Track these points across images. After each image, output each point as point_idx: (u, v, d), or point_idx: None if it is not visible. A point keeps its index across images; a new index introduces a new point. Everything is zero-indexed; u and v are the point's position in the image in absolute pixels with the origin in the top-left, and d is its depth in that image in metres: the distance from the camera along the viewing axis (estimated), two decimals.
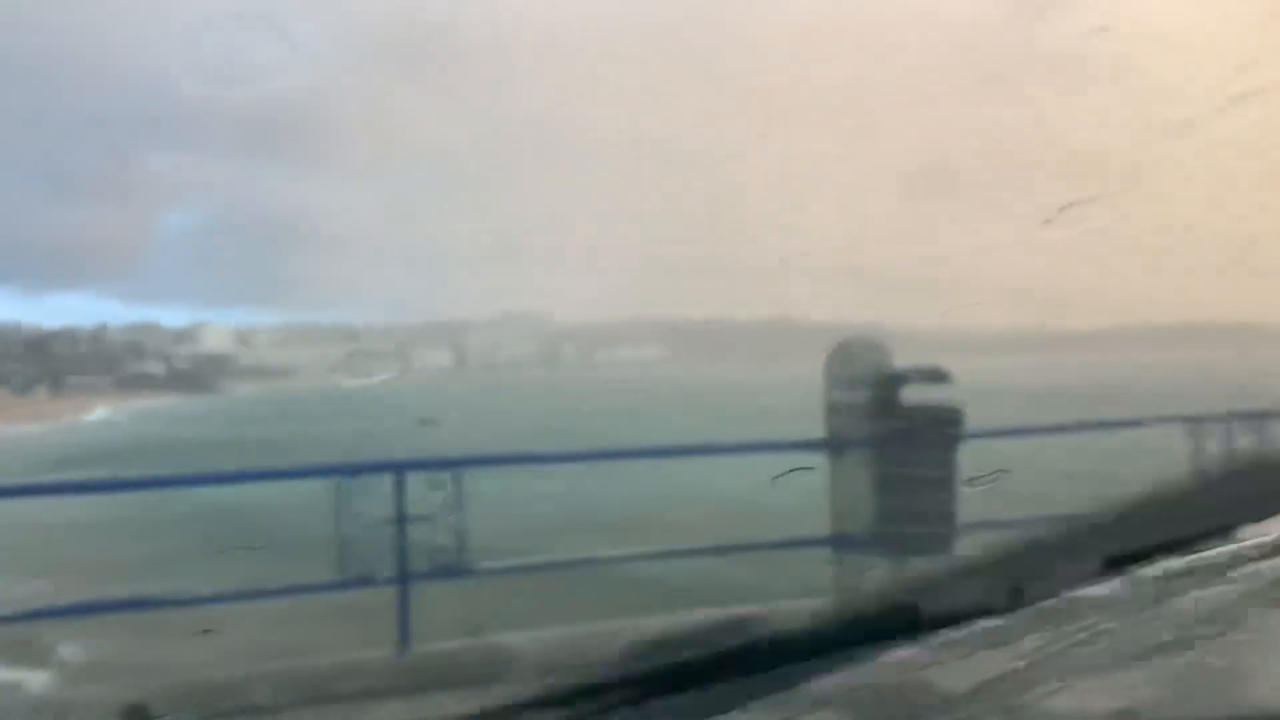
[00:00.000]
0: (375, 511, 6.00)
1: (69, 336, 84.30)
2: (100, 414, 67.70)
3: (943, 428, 5.35)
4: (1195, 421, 7.37)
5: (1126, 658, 1.79)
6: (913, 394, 5.73)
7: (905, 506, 5.56)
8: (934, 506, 5.53)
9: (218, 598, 6.50)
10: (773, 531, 7.58)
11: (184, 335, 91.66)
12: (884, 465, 5.79)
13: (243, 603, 6.47)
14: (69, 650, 9.63)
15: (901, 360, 5.89)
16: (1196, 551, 1.90)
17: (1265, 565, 2.02)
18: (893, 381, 5.81)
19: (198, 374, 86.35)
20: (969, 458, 5.56)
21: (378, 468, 6.33)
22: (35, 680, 9.03)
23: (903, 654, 1.72)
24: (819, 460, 5.86)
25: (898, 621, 1.67)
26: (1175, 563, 1.89)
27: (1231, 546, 1.97)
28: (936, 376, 5.64)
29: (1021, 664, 1.75)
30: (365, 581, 6.05)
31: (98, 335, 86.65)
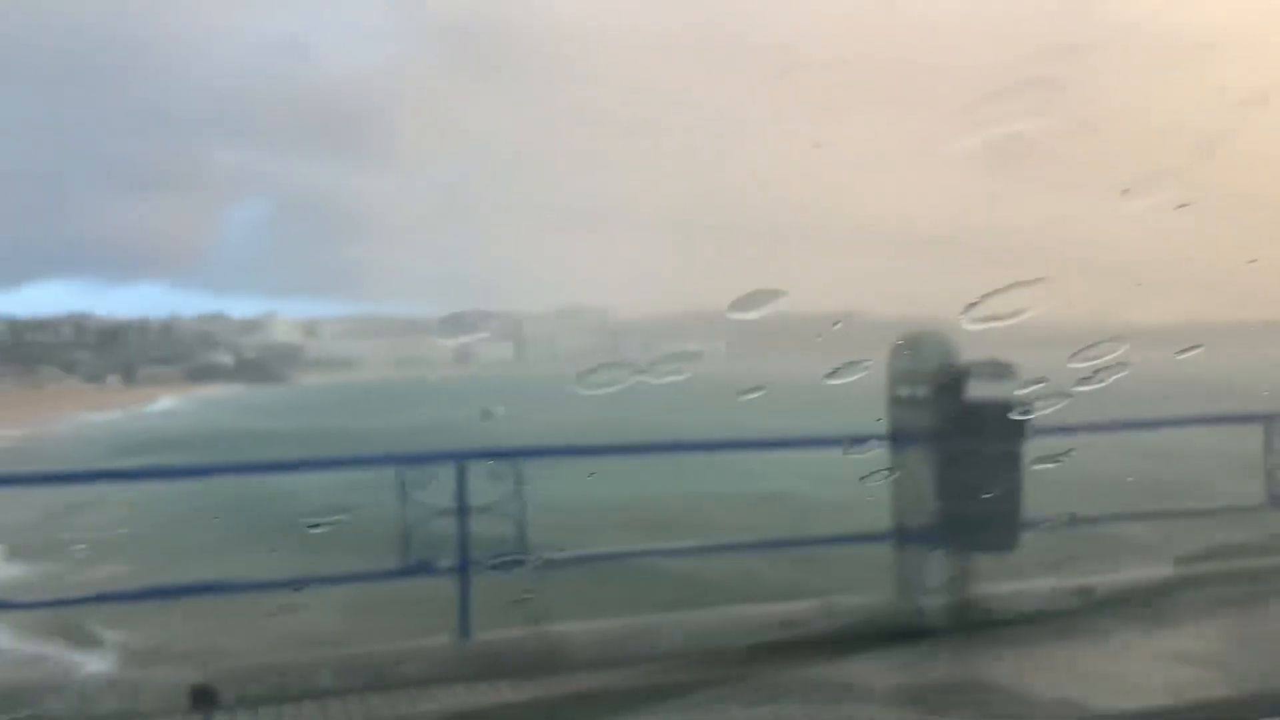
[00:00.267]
0: (437, 502, 6.05)
1: (140, 327, 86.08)
2: (169, 403, 68.96)
3: (1008, 423, 5.26)
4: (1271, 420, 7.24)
5: (1185, 650, 1.76)
6: (978, 389, 5.65)
7: (969, 502, 5.49)
8: (999, 502, 5.45)
9: (284, 584, 6.60)
10: (833, 527, 7.54)
11: (252, 326, 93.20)
12: (948, 460, 5.71)
13: (307, 589, 6.56)
14: (138, 632, 9.83)
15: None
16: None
17: None
18: (958, 376, 5.73)
19: (265, 364, 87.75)
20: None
21: (439, 458, 6.37)
22: (106, 661, 9.24)
23: (964, 647, 1.71)
24: (883, 455, 5.81)
25: (960, 615, 1.65)
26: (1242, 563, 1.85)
27: None
28: (1003, 372, 5.55)
29: (1085, 657, 1.73)
30: (427, 570, 6.10)
31: (168, 326, 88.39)
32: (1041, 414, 4.03)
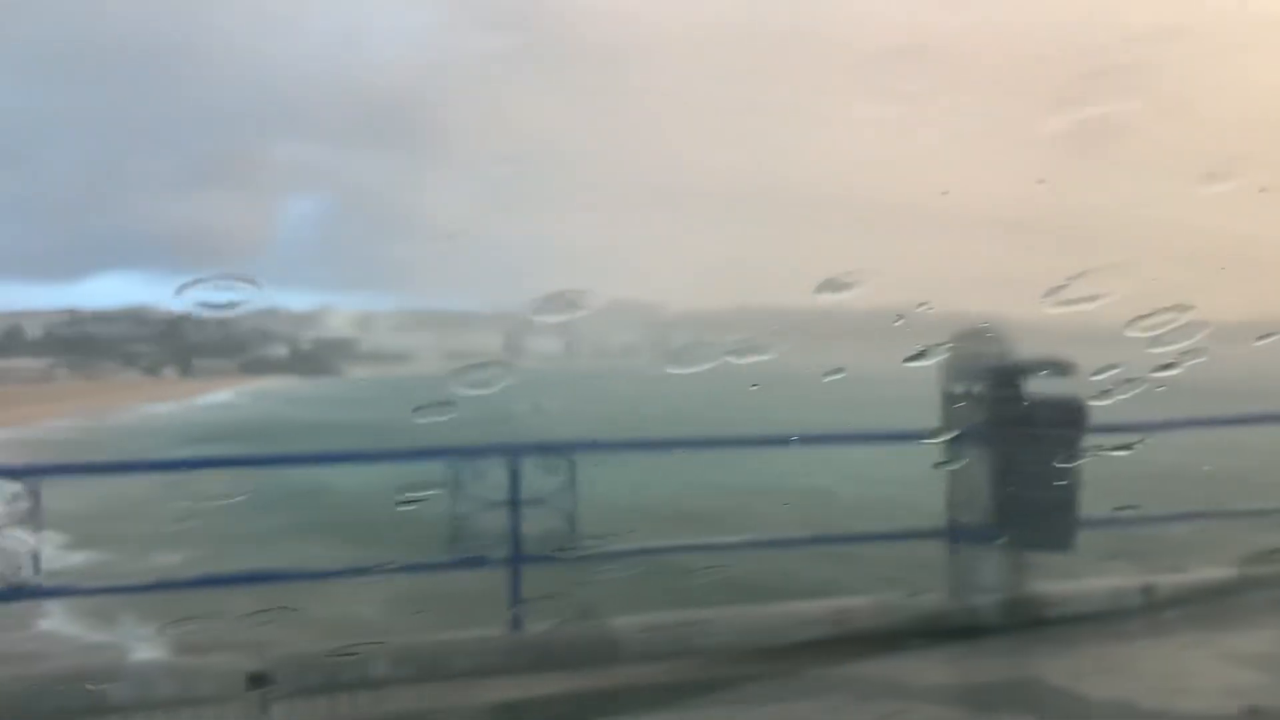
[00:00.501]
0: (489, 495, 6.09)
1: (198, 320, 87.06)
2: (224, 395, 69.86)
3: (1065, 421, 5.19)
4: None
5: (1251, 654, 1.72)
6: (1035, 386, 5.59)
7: (1025, 500, 5.42)
8: (1055, 501, 5.38)
9: (339, 573, 6.67)
10: (887, 522, 7.48)
11: (307, 319, 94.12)
12: (1003, 458, 5.65)
13: (359, 580, 6.61)
14: (194, 620, 9.98)
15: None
16: None
17: None
18: (1014, 373, 5.66)
19: (319, 357, 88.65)
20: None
21: (492, 451, 6.40)
22: (162, 648, 9.38)
23: (1019, 646, 1.68)
24: (936, 451, 5.75)
25: (1016, 614, 1.63)
26: None
27: None
28: (1061, 369, 5.47)
29: (1144, 658, 1.70)
30: (479, 562, 6.14)
31: (224, 319, 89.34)
32: (1118, 400, 3.96)
